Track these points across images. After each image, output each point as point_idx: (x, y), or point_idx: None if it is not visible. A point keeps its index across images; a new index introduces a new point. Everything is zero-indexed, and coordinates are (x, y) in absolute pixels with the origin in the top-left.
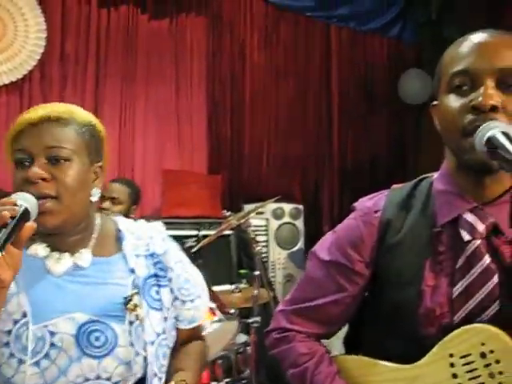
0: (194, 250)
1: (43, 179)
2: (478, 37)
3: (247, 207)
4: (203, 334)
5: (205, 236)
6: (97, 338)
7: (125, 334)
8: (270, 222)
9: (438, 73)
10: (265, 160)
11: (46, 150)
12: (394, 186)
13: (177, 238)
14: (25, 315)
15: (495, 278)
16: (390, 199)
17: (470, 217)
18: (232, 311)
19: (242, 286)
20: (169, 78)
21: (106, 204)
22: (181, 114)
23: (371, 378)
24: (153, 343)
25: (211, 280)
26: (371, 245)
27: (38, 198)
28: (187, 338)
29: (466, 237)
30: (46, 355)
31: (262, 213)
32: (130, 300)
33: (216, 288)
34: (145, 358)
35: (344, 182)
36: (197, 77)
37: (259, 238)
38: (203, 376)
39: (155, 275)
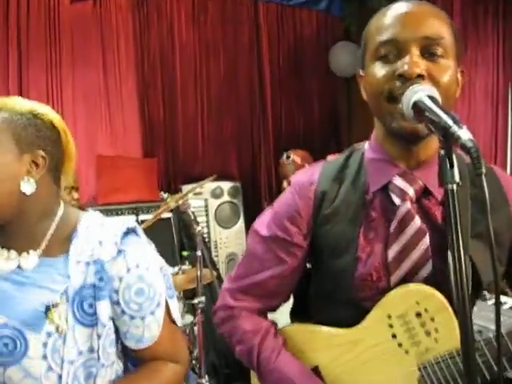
0: None
1: None
2: (401, 6)
3: (186, 188)
4: None
5: (143, 221)
6: (5, 344)
7: (37, 345)
8: (209, 201)
9: (364, 43)
10: (200, 139)
11: None
12: (329, 157)
13: None
14: None
15: (426, 239)
16: (324, 172)
17: (399, 181)
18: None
19: (185, 267)
20: (96, 62)
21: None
22: (111, 97)
23: (315, 346)
24: (72, 363)
25: None
26: (308, 217)
27: None
28: (144, 358)
29: (397, 200)
30: None
31: (200, 193)
32: (54, 307)
33: None
34: (60, 376)
35: (280, 157)
36: (125, 59)
37: (199, 219)
38: None
39: (93, 286)
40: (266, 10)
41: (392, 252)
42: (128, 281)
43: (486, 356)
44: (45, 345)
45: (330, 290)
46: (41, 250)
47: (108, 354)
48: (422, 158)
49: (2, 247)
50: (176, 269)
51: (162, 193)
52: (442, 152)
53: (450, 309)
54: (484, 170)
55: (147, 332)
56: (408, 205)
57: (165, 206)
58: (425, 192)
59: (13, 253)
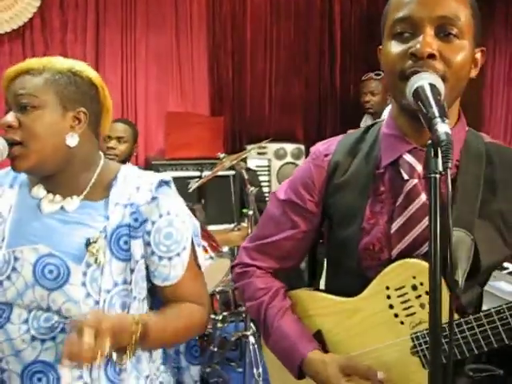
0: (189, 191)
1: (10, 126)
2: None
3: (250, 147)
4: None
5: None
6: (50, 271)
7: (78, 274)
8: (272, 162)
9: (383, 18)
10: (267, 101)
11: (16, 99)
12: (350, 131)
13: (180, 179)
14: (3, 240)
15: None
16: (341, 144)
17: (409, 158)
18: (225, 250)
19: (244, 224)
20: (169, 23)
21: (113, 142)
22: (182, 57)
23: (319, 311)
24: (108, 292)
25: (213, 219)
26: (320, 185)
27: (8, 143)
28: (168, 296)
29: (405, 176)
30: (8, 277)
31: (264, 153)
32: (94, 242)
33: (216, 227)
34: (97, 302)
35: (346, 122)
36: (197, 20)
37: (262, 178)
38: None
39: (128, 225)
40: None
41: (395, 225)
42: (159, 225)
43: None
44: (84, 274)
45: (337, 258)
46: (83, 196)
47: (140, 288)
48: None
49: (48, 192)
50: (232, 225)
51: (219, 153)
52: (429, 141)
53: (443, 284)
54: (450, 165)
55: (173, 271)
56: (415, 181)
57: (220, 165)
58: None
59: (58, 197)
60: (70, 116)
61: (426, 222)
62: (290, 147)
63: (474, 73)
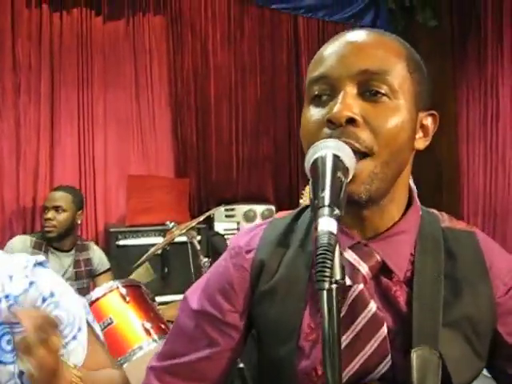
0: (135, 265)
1: None
2: (345, 35)
3: (217, 210)
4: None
5: (170, 243)
6: None
7: None
8: (241, 224)
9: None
10: (234, 160)
11: None
12: (279, 214)
13: (141, 247)
14: None
15: (384, 329)
16: (267, 235)
17: (350, 255)
18: None
19: None
20: (128, 81)
21: (51, 213)
22: (143, 117)
23: None
24: None
25: (176, 289)
26: (243, 292)
27: None
28: None
29: (347, 280)
30: None
31: (232, 216)
32: None
33: (180, 297)
34: None
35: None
36: (158, 79)
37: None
38: None
39: (8, 322)
40: (306, 26)
41: (343, 342)
42: (44, 310)
43: None
44: None
45: (272, 380)
46: None
47: None
48: (380, 227)
49: None
50: None
51: (168, 222)
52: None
53: None
54: (326, 287)
55: (73, 357)
56: (361, 286)
57: (169, 235)
58: (384, 268)
59: None
60: None
61: (378, 338)
62: (260, 208)
63: (421, 143)
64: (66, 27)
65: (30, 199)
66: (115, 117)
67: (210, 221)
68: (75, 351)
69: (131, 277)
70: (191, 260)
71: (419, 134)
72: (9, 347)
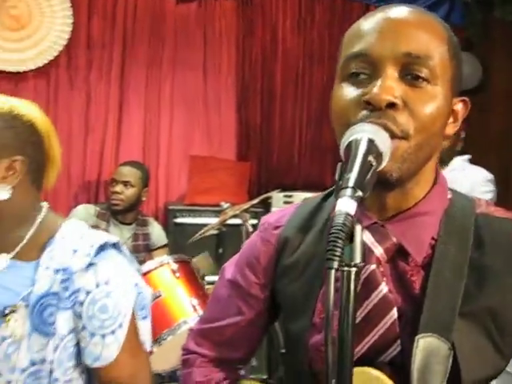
0: (189, 241)
1: None
2: (385, 11)
3: (276, 196)
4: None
5: (226, 225)
6: None
7: None
8: None
9: (337, 56)
10: (296, 147)
11: None
12: (311, 196)
13: (198, 226)
14: None
15: (394, 312)
16: (295, 214)
17: (366, 236)
18: None
19: None
20: (197, 63)
21: (119, 187)
22: (209, 99)
23: None
24: (23, 371)
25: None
26: (268, 266)
27: None
28: (101, 379)
29: None
30: None
31: (291, 202)
32: (12, 311)
33: None
34: (8, 382)
35: None
36: (226, 62)
37: None
38: None
39: (56, 294)
40: None
41: None
42: (94, 296)
43: None
44: None
45: (288, 355)
46: (13, 254)
47: (65, 368)
48: (400, 208)
49: None
50: None
51: (223, 202)
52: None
53: None
54: (335, 266)
55: (105, 351)
56: (373, 267)
57: (223, 216)
58: (402, 251)
59: None
60: (3, 165)
61: (387, 321)
62: None
63: (451, 129)
64: (140, 7)
65: (96, 173)
66: (182, 97)
67: (267, 206)
68: (110, 346)
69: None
70: (244, 242)
71: (450, 120)
72: (50, 319)
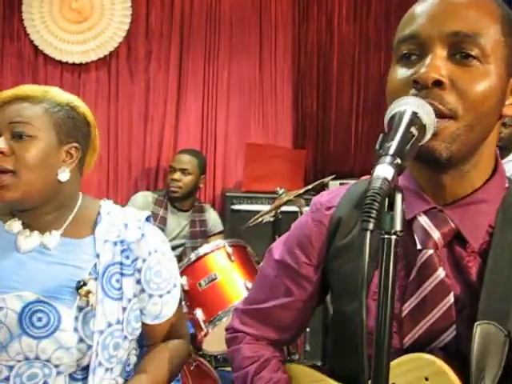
0: (244, 227)
1: (1, 153)
2: None
3: (332, 183)
4: None
5: (282, 212)
6: (39, 319)
7: (69, 319)
8: None
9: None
10: (353, 136)
11: (10, 125)
12: (363, 177)
13: (254, 212)
14: None
15: (450, 297)
16: (348, 194)
17: (424, 221)
18: None
19: None
20: (253, 53)
21: (177, 175)
22: (265, 87)
23: None
24: (102, 333)
25: None
26: (320, 246)
27: None
28: (158, 335)
29: (418, 245)
30: None
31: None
32: (84, 285)
33: None
34: (90, 347)
35: None
36: (282, 50)
37: None
38: None
39: (120, 263)
40: None
41: (408, 306)
42: (149, 262)
43: None
44: (76, 318)
45: (340, 337)
46: (62, 230)
47: (133, 328)
48: (459, 193)
49: (24, 226)
50: None
51: (278, 188)
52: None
53: None
54: (370, 227)
55: (165, 309)
56: (430, 251)
57: (278, 201)
58: (459, 237)
59: (35, 233)
60: (63, 150)
61: (443, 306)
62: None
63: (510, 110)
64: None
65: (155, 160)
66: (238, 86)
67: None
68: (169, 304)
69: None
70: None
71: (509, 100)
72: (117, 285)
